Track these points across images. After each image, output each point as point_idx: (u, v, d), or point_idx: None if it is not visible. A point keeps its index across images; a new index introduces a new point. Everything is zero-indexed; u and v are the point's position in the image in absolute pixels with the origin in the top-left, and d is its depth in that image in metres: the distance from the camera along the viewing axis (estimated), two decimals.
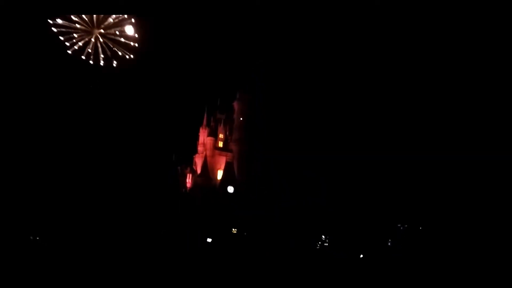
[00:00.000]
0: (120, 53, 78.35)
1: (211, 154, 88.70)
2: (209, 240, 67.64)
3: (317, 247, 72.17)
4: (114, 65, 79.90)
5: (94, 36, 76.14)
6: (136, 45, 77.38)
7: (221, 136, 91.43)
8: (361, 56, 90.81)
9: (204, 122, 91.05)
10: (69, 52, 77.26)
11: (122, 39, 77.09)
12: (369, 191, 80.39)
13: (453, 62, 74.63)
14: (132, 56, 77.89)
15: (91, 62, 78.46)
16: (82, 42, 77.26)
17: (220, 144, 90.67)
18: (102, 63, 79.64)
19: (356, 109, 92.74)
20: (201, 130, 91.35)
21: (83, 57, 78.26)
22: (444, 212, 63.26)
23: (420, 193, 73.23)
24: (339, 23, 79.86)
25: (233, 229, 75.31)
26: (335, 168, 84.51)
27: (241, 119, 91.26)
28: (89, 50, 78.51)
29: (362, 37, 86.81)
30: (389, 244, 66.61)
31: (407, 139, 78.55)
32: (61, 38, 75.07)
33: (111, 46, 78.14)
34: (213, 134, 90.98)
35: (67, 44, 76.67)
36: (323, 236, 78.13)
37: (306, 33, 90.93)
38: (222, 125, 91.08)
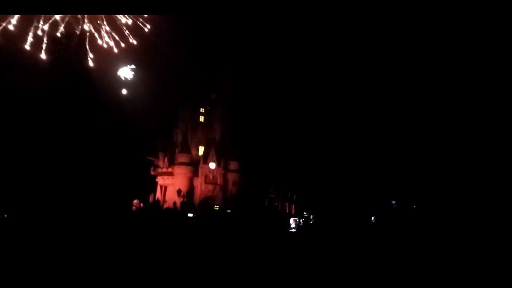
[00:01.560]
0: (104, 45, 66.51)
1: (193, 129, 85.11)
2: (190, 215, 65.32)
3: (300, 224, 71.26)
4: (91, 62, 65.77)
5: None
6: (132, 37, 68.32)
7: (202, 110, 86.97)
8: (361, 56, 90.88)
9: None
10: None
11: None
12: (368, 190, 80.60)
13: (453, 62, 74.78)
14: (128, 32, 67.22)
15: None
16: None
17: (202, 119, 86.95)
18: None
19: (356, 109, 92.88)
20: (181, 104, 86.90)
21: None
22: (444, 213, 63.43)
23: (419, 193, 73.50)
24: (339, 23, 79.89)
25: (216, 206, 74.32)
26: (335, 168, 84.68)
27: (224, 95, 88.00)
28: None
29: (362, 37, 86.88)
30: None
31: (407, 139, 78.78)
32: None
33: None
34: (194, 107, 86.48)
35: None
36: (305, 213, 77.83)
37: (306, 33, 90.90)
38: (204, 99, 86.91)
